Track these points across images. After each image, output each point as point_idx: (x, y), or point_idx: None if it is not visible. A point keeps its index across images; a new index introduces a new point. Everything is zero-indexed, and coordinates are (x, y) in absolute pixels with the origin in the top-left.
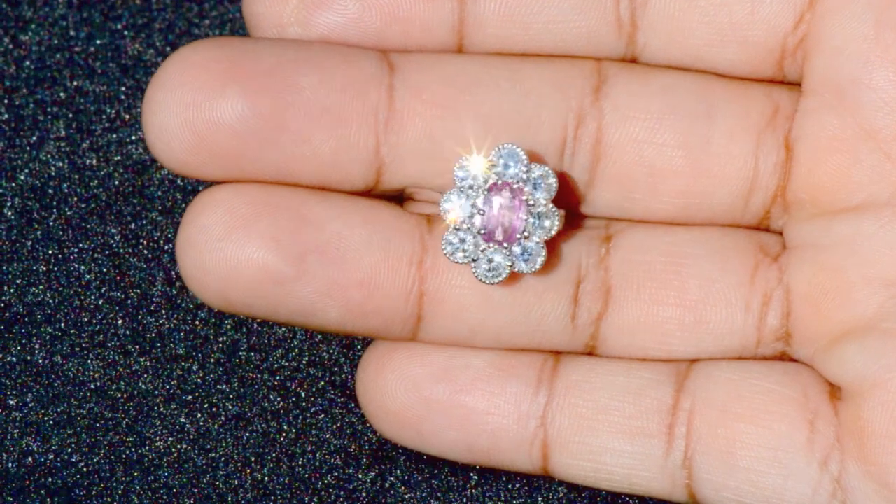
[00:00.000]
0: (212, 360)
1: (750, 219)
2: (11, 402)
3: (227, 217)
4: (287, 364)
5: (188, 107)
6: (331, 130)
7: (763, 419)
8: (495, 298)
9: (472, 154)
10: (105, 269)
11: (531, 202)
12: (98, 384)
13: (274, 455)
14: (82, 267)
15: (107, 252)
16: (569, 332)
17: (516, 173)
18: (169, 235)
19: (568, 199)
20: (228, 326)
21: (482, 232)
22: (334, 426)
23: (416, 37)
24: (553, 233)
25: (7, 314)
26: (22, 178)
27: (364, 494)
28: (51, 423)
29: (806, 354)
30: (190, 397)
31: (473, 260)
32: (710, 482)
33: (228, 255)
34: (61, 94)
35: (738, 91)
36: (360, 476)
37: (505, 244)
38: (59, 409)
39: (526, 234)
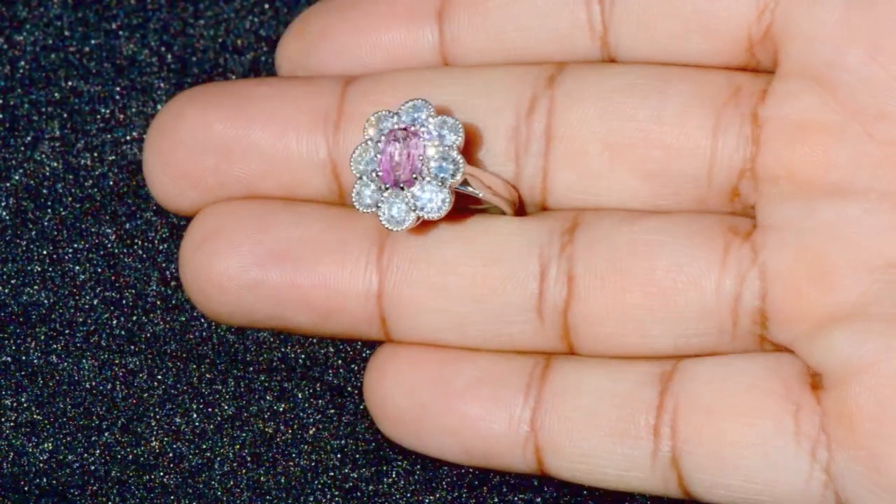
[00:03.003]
0: (207, 360)
1: (718, 194)
2: (7, 402)
3: (202, 229)
4: (283, 364)
5: (157, 136)
6: (279, 137)
7: (747, 416)
8: (452, 291)
9: (380, 110)
10: (100, 269)
11: (432, 145)
12: (93, 384)
13: (270, 455)
14: (77, 267)
15: (101, 252)
16: (535, 324)
17: (418, 120)
18: (163, 235)
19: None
20: (224, 327)
21: (379, 174)
22: (330, 426)
23: (403, 61)
24: (457, 179)
25: (2, 314)
26: (16, 178)
27: (360, 494)
28: (46, 422)
29: (785, 338)
30: (185, 397)
31: (377, 206)
32: (700, 480)
33: (200, 264)
34: (56, 94)
35: (695, 74)
36: (356, 475)
37: (402, 186)
38: (54, 409)
39: (427, 176)
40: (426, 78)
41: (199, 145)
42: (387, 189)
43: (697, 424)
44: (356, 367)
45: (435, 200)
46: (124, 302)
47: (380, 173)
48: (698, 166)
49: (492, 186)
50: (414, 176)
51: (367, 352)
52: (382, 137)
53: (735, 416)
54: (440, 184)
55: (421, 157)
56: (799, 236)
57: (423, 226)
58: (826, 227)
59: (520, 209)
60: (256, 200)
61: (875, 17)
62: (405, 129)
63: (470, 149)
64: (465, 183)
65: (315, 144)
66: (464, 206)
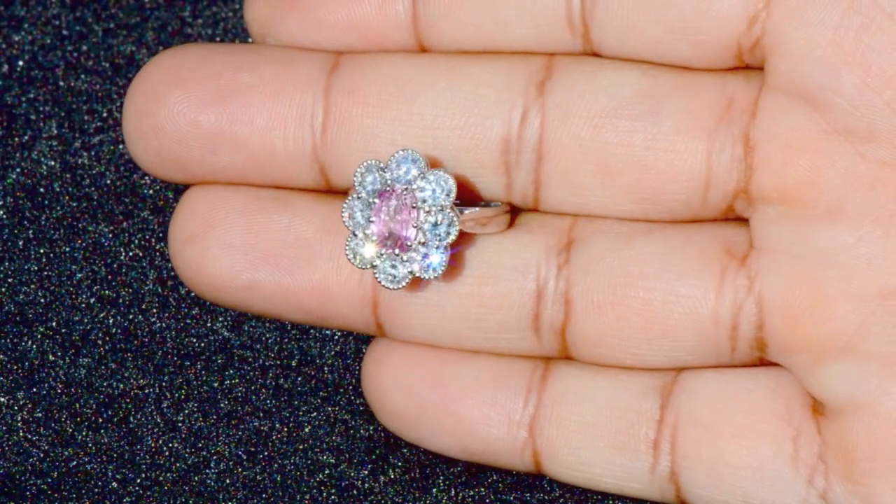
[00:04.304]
0: (203, 359)
1: (712, 212)
2: (2, 401)
3: (191, 221)
4: (279, 362)
5: (139, 114)
6: (265, 135)
7: (746, 438)
8: (447, 309)
9: (369, 160)
10: (96, 268)
11: (425, 209)
12: (89, 382)
13: (266, 453)
14: (74, 266)
15: (98, 251)
16: (532, 341)
17: (408, 179)
18: (160, 234)
19: (509, 200)
20: (220, 325)
21: (374, 239)
22: (326, 424)
23: (375, 39)
24: (451, 238)
25: None
26: (14, 176)
27: (355, 492)
28: (42, 421)
29: (784, 363)
30: (181, 395)
31: (373, 266)
32: (698, 496)
33: (190, 260)
34: (53, 93)
35: (688, 86)
36: (352, 473)
37: (397, 251)
38: (50, 408)
39: (420, 240)
40: (412, 76)
41: (181, 136)
42: (383, 252)
43: (696, 441)
44: (352, 365)
45: (431, 262)
46: (121, 300)
47: (374, 238)
48: (693, 190)
49: (484, 216)
50: (409, 243)
51: (364, 348)
52: (375, 199)
53: (734, 436)
54: (436, 246)
55: (415, 224)
56: (793, 263)
57: (413, 283)
58: (820, 253)
59: (513, 213)
60: (246, 192)
61: (867, 41)
62: (395, 190)
63: (461, 188)
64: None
65: (301, 144)
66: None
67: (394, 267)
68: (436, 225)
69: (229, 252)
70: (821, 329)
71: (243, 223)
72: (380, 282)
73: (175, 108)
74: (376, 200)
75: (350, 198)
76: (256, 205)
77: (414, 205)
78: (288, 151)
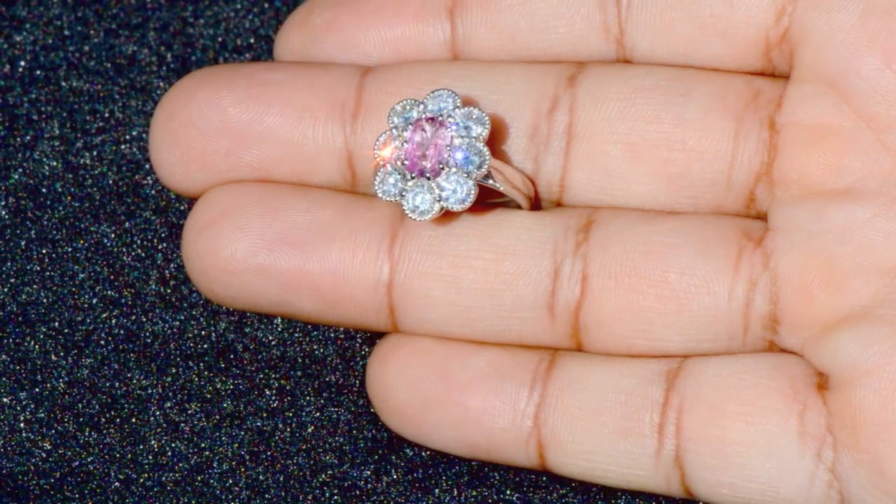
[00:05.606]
0: (206, 359)
1: (735, 198)
2: (5, 401)
3: (208, 211)
4: (282, 363)
5: (167, 116)
6: (295, 124)
7: (752, 415)
8: (463, 284)
9: (405, 99)
10: (99, 268)
11: (459, 136)
12: (92, 383)
13: (269, 453)
14: (76, 266)
15: (101, 251)
16: (545, 321)
17: (444, 110)
18: (162, 234)
19: (534, 180)
20: (223, 325)
21: (405, 163)
22: (329, 424)
23: (413, 58)
24: (482, 171)
25: (1, 313)
26: (16, 177)
27: (358, 492)
28: (44, 421)
29: (795, 343)
30: (184, 395)
31: (401, 195)
32: (704, 479)
33: (206, 247)
34: (55, 94)
35: (715, 77)
36: (354, 474)
37: (428, 175)
38: (52, 408)
39: (453, 167)
40: (445, 71)
41: (211, 128)
42: (411, 178)
43: (702, 422)
44: (355, 366)
45: (460, 192)
46: (123, 301)
47: (405, 162)
48: (718, 170)
49: (512, 180)
50: (440, 166)
51: (367, 349)
52: (409, 126)
53: (740, 414)
54: (466, 175)
55: (448, 148)
56: (809, 239)
57: (440, 218)
58: (835, 230)
59: (535, 204)
60: (264, 183)
61: (891, 25)
62: (432, 118)
63: (493, 141)
64: (487, 175)
65: (332, 133)
66: (480, 199)
67: (422, 198)
68: (468, 155)
69: (246, 233)
70: (835, 301)
71: (260, 207)
72: (406, 214)
73: (206, 100)
74: (410, 128)
75: (383, 133)
76: (274, 191)
77: (447, 129)
78: (317, 141)
